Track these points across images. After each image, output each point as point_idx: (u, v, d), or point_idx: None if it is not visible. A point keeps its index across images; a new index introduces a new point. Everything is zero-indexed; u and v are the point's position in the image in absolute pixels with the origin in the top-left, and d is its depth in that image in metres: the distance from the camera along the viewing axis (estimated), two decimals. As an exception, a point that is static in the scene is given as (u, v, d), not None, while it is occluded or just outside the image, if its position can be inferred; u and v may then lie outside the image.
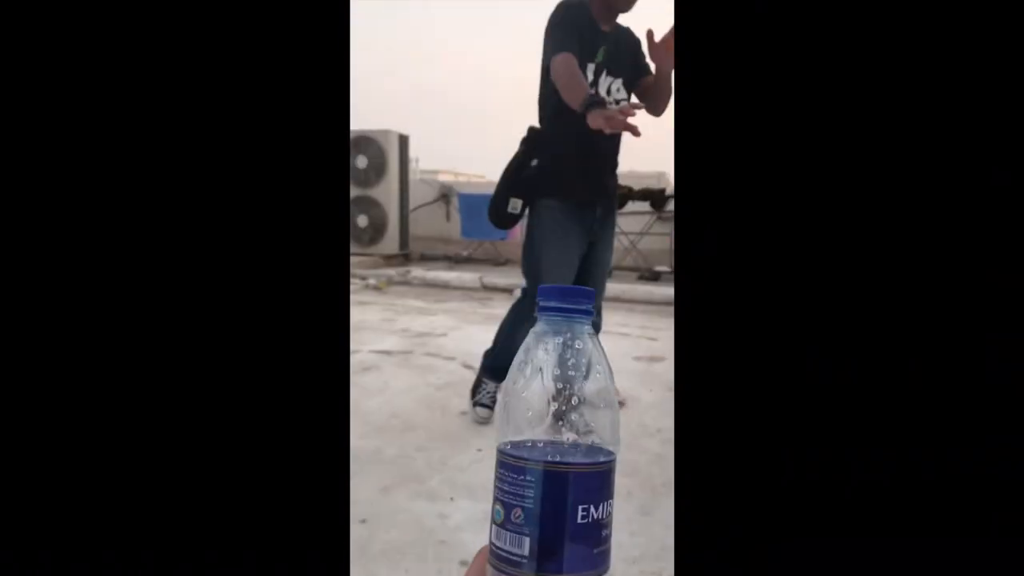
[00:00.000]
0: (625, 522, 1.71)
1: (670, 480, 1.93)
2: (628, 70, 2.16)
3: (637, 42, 2.18)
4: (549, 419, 0.59)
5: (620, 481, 1.92)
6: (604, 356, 0.62)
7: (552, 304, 0.61)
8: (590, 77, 2.07)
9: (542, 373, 0.59)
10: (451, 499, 1.78)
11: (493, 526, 0.59)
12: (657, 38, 1.95)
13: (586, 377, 0.60)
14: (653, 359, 3.53)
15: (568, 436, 0.59)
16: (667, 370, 3.27)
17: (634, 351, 3.71)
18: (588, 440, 0.59)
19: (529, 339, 0.62)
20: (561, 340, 0.60)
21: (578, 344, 0.60)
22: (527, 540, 0.56)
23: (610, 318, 4.92)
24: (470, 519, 1.70)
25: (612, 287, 6.08)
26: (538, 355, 0.60)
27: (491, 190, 2.31)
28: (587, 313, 0.61)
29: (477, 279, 6.47)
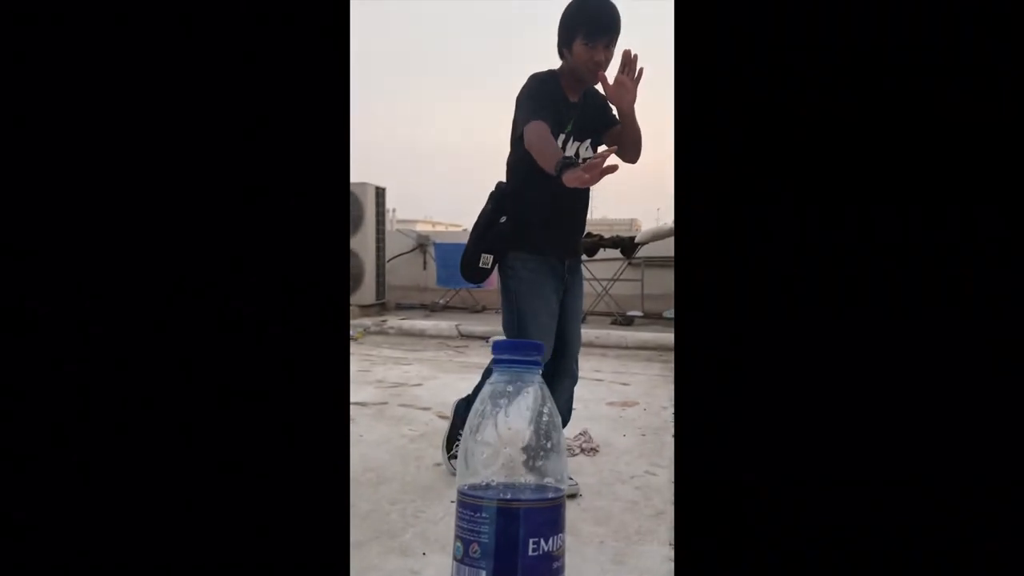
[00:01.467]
0: (599, 572, 1.70)
1: (644, 528, 1.93)
2: (597, 128, 2.23)
3: (604, 101, 2.25)
4: (502, 461, 0.64)
5: (592, 529, 1.90)
6: (552, 402, 0.67)
7: (504, 356, 0.67)
8: (559, 146, 2.14)
9: (496, 420, 0.65)
10: (423, 554, 1.77)
11: (453, 562, 0.63)
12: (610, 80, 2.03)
13: (535, 421, 0.65)
14: (626, 404, 3.54)
15: (519, 476, 0.64)
16: (640, 415, 3.29)
17: (607, 396, 3.72)
18: (538, 479, 0.64)
19: (485, 389, 0.67)
20: (513, 389, 0.66)
21: (528, 392, 0.66)
22: (483, 573, 0.60)
23: (583, 363, 4.90)
24: (441, 574, 1.69)
25: (586, 332, 6.07)
26: (492, 403, 0.66)
27: (467, 239, 2.34)
28: (536, 364, 0.67)
29: (453, 327, 6.47)
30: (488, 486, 0.63)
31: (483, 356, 5.14)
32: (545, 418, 0.65)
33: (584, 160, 2.17)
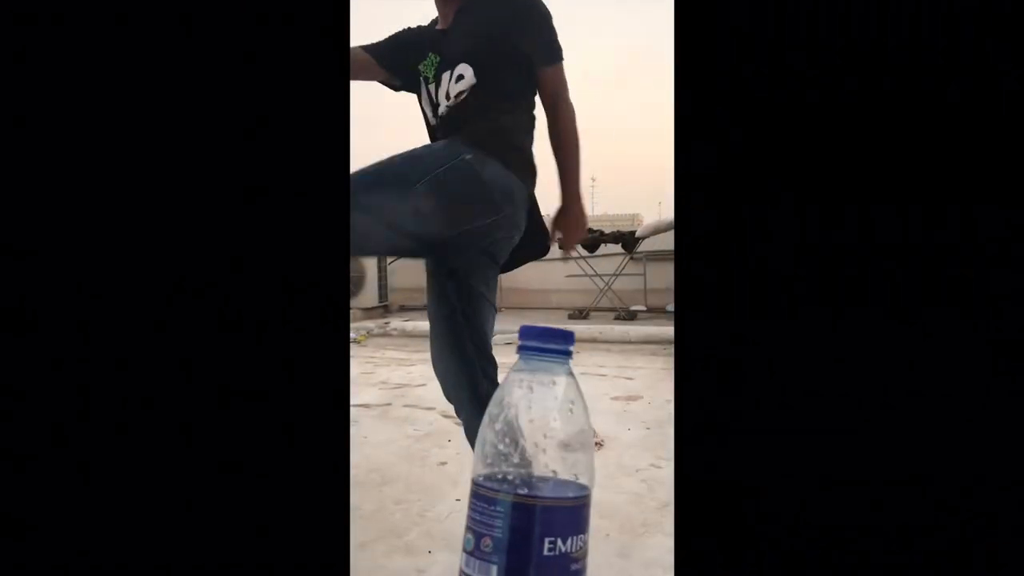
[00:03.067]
0: (604, 565, 1.70)
1: (649, 521, 1.93)
2: (476, 50, 1.49)
3: (496, 13, 1.50)
4: (521, 453, 0.61)
5: (597, 523, 1.88)
6: (581, 395, 0.64)
7: (530, 344, 0.64)
8: (426, 95, 1.58)
9: (517, 410, 0.62)
10: (429, 552, 1.77)
11: (463, 554, 0.60)
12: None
13: (560, 415, 0.63)
14: (630, 398, 3.54)
15: (539, 470, 0.61)
16: (644, 409, 3.29)
17: (611, 391, 3.72)
18: (559, 475, 0.61)
19: (508, 376, 0.64)
20: (538, 379, 0.63)
21: (554, 382, 0.63)
22: (494, 568, 0.58)
23: (587, 359, 4.94)
24: (447, 572, 1.70)
25: (589, 328, 6.12)
26: (514, 392, 0.63)
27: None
28: (566, 354, 0.64)
29: (456, 325, 6.46)
30: (504, 479, 0.60)
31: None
32: (572, 412, 0.62)
33: (459, 95, 1.47)
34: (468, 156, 1.35)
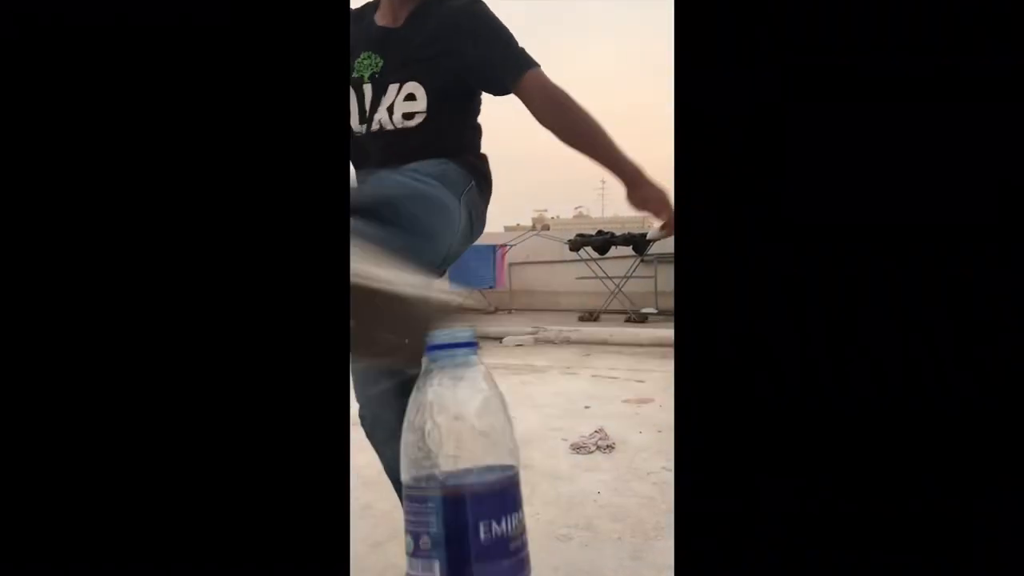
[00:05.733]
0: (617, 568, 1.71)
1: (661, 523, 1.92)
2: (435, 67, 1.31)
3: (465, 22, 1.30)
4: (442, 448, 0.62)
5: (610, 526, 1.89)
6: (492, 381, 0.65)
7: (435, 343, 0.65)
8: (354, 102, 1.36)
9: (431, 408, 0.63)
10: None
11: (407, 557, 0.61)
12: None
13: (473, 403, 0.64)
14: (642, 401, 3.53)
15: (464, 461, 0.62)
16: (656, 412, 3.28)
17: (622, 394, 3.71)
18: (483, 461, 0.62)
19: (420, 379, 0.65)
20: (448, 374, 0.64)
21: (462, 374, 0.64)
22: (437, 564, 0.59)
23: (598, 362, 4.94)
24: (457, 572, 1.70)
25: (599, 331, 6.11)
26: (428, 392, 0.64)
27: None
28: (471, 344, 0.65)
29: (466, 328, 6.48)
30: (432, 476, 0.62)
31: (495, 357, 5.14)
32: (485, 399, 0.64)
33: (407, 116, 1.30)
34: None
